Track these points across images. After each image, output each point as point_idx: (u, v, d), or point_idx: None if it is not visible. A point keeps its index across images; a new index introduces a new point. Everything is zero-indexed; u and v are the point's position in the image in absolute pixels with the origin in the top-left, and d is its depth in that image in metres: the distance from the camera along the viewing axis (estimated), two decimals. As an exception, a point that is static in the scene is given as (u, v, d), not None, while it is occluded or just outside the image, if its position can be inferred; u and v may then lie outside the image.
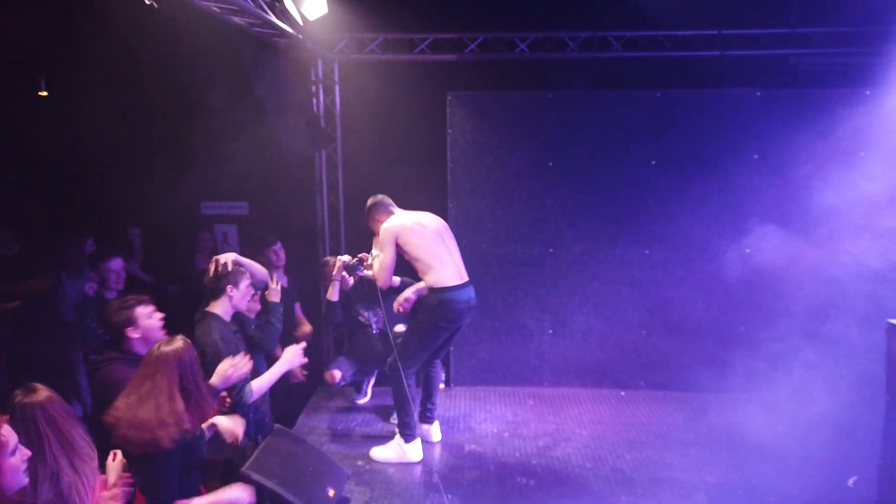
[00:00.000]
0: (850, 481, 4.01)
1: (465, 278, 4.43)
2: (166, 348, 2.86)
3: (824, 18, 6.00)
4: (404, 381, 4.40)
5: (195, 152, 5.97)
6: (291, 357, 3.89)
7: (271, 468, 3.55)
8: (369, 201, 4.60)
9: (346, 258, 4.87)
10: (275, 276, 4.38)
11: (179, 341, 2.91)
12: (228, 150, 5.94)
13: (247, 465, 3.49)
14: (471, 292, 4.41)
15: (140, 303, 3.39)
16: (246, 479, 3.44)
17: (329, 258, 5.33)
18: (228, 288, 3.79)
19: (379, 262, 4.42)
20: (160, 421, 2.73)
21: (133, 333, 3.34)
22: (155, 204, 6.16)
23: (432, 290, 4.33)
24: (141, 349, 3.33)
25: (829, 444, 4.32)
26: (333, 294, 4.98)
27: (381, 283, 4.44)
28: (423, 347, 4.44)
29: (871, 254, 4.85)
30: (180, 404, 2.80)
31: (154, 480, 2.82)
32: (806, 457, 4.29)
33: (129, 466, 2.77)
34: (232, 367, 3.28)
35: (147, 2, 3.48)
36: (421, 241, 4.36)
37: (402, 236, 4.36)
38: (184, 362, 2.85)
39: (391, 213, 4.58)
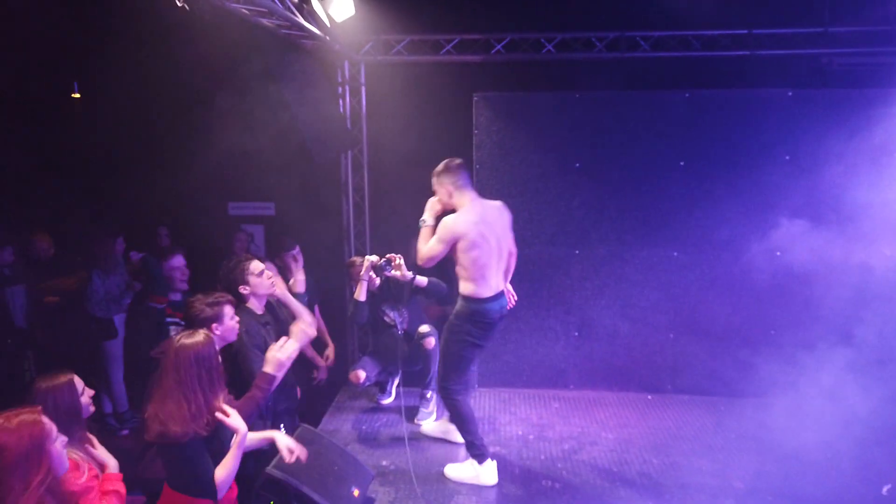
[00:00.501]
0: (885, 489, 3.93)
1: (501, 287, 4.26)
2: (187, 341, 2.88)
3: (857, 17, 5.89)
4: (458, 399, 4.21)
5: (224, 153, 6.03)
6: (300, 335, 3.65)
7: (296, 467, 3.55)
8: (441, 165, 4.19)
9: (373, 258, 4.87)
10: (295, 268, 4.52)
11: (201, 335, 2.93)
12: (255, 151, 6.00)
13: (272, 464, 3.52)
14: (503, 301, 4.25)
15: (229, 302, 3.49)
16: (271, 479, 3.47)
17: (356, 258, 5.34)
18: (241, 287, 3.85)
19: (428, 246, 4.12)
20: (181, 416, 2.77)
21: (216, 330, 3.40)
22: (184, 204, 6.25)
23: (466, 300, 4.14)
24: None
25: (861, 451, 4.22)
26: (361, 294, 4.99)
27: (420, 261, 4.19)
28: (462, 360, 4.21)
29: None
30: (200, 398, 2.83)
31: (182, 473, 2.85)
32: (837, 463, 4.20)
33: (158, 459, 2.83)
34: (280, 350, 3.30)
35: (178, 3, 3.52)
36: (479, 256, 4.06)
37: (463, 243, 4.03)
38: (202, 356, 2.86)
39: (461, 192, 4.16)
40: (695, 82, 5.87)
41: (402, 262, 4.87)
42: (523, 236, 5.78)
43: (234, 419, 2.93)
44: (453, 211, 4.16)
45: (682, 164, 5.58)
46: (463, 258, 4.06)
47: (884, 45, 5.83)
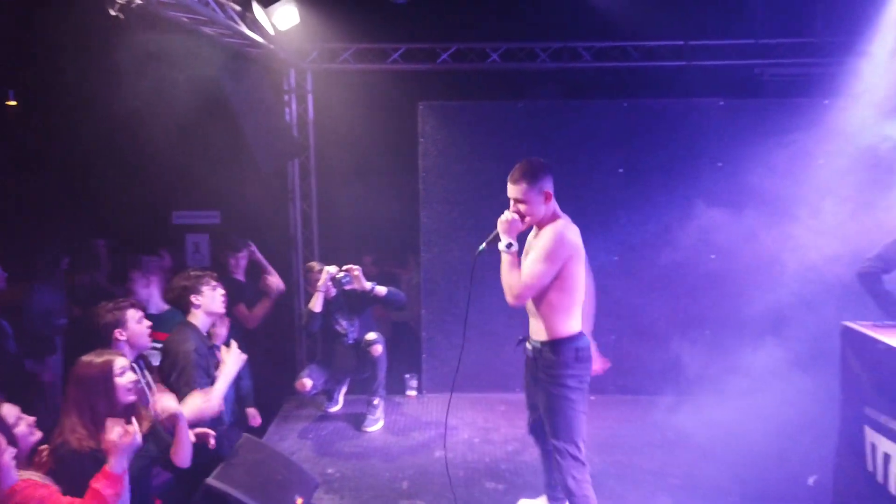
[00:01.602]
0: (810, 480, 4.11)
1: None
2: (83, 359, 2.87)
3: (787, 30, 6.16)
4: (587, 483, 3.33)
5: (166, 162, 5.97)
6: (234, 359, 3.74)
7: (238, 477, 3.55)
8: (534, 165, 3.28)
9: (332, 270, 4.86)
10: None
11: (99, 359, 2.88)
12: (200, 159, 5.96)
13: (213, 474, 3.50)
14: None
15: (133, 306, 3.45)
16: (210, 490, 3.45)
17: (314, 264, 5.32)
18: (193, 297, 3.80)
19: (530, 271, 3.23)
20: (78, 431, 2.75)
21: (121, 335, 3.37)
22: (125, 214, 6.14)
23: (567, 340, 3.31)
24: (127, 356, 3.35)
25: (790, 444, 4.41)
26: (316, 305, 4.98)
27: (519, 295, 3.26)
28: (579, 413, 3.34)
29: (831, 260, 4.97)
30: (88, 418, 2.78)
31: (80, 487, 2.79)
32: (768, 457, 4.38)
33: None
34: (205, 401, 3.28)
35: (113, 13, 3.49)
36: (581, 274, 3.32)
37: (575, 262, 3.28)
38: (88, 379, 2.82)
39: (553, 200, 3.33)
40: (634, 92, 6.07)
41: (361, 272, 4.91)
42: (469, 242, 5.85)
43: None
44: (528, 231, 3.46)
45: (621, 171, 5.75)
46: (567, 283, 3.26)
47: (811, 56, 6.12)
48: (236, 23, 4.87)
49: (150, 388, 3.55)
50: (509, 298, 3.30)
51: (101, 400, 2.83)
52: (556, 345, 3.33)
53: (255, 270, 5.63)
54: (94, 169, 6.30)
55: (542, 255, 3.22)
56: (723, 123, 5.67)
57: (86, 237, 6.28)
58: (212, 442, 3.29)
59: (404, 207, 6.02)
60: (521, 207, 3.28)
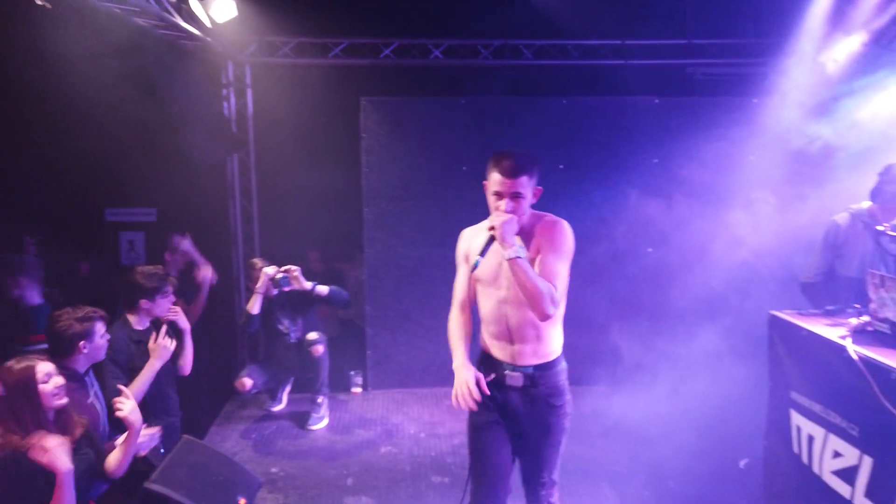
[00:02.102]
0: (742, 463, 4.28)
1: None
2: (16, 366, 2.77)
3: (717, 31, 6.39)
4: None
5: (99, 157, 5.76)
6: (160, 352, 3.72)
7: (178, 479, 3.46)
8: (528, 154, 2.80)
9: (270, 271, 4.78)
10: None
11: (26, 363, 2.78)
12: (135, 155, 5.78)
13: (152, 477, 3.41)
14: None
15: (101, 318, 3.31)
16: (150, 494, 3.36)
17: (256, 261, 5.22)
18: (143, 301, 3.76)
19: (559, 275, 2.73)
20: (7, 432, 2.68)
21: (84, 348, 3.24)
22: (55, 211, 5.90)
23: (560, 360, 2.91)
24: (81, 366, 3.28)
25: (724, 430, 4.59)
26: (255, 307, 4.90)
27: (556, 307, 2.71)
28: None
29: (762, 251, 5.20)
30: (13, 427, 2.70)
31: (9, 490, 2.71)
32: (703, 442, 4.54)
33: None
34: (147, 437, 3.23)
35: (39, 2, 3.36)
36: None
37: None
38: (19, 387, 2.73)
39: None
40: (574, 89, 6.18)
41: (300, 273, 4.84)
42: (413, 238, 5.88)
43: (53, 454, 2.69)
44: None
45: (561, 167, 5.85)
46: (564, 280, 2.80)
47: (740, 56, 6.36)
48: (171, 14, 4.74)
49: (100, 399, 3.45)
50: (545, 309, 2.64)
51: (24, 407, 2.72)
52: (555, 366, 2.87)
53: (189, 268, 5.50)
54: (21, 164, 6.02)
55: (560, 253, 2.74)
56: (658, 120, 5.84)
57: (14, 235, 6.01)
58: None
59: (348, 203, 5.98)
60: (522, 203, 2.73)
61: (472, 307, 3.04)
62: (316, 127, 6.05)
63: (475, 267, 2.73)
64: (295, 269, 4.78)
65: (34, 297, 4.47)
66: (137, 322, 3.88)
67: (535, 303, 2.65)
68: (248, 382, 5.03)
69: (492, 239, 2.69)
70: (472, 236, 2.96)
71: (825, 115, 5.32)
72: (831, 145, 5.24)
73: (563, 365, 2.92)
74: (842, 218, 4.18)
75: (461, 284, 3.03)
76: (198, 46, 5.55)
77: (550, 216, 2.84)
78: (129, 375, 3.71)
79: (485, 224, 2.81)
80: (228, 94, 6.24)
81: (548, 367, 2.86)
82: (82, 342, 3.24)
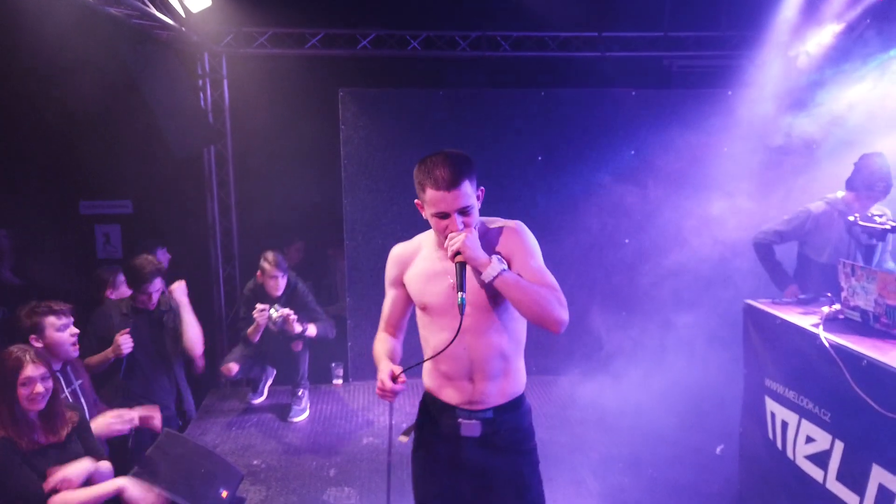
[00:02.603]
0: (718, 449, 4.38)
1: None
2: (7, 358, 2.78)
3: (693, 23, 6.45)
4: None
5: (73, 149, 5.67)
6: (117, 347, 3.83)
7: (159, 472, 3.46)
8: (460, 154, 2.36)
9: (275, 314, 4.87)
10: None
11: (16, 359, 2.79)
12: (110, 147, 5.70)
13: (133, 470, 3.40)
14: None
15: (53, 312, 3.26)
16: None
17: (269, 254, 5.13)
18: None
19: (550, 278, 2.33)
20: None
21: (36, 343, 3.21)
22: (27, 203, 5.80)
23: (522, 401, 2.51)
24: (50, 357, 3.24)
25: (700, 417, 4.70)
26: (255, 336, 4.98)
27: (562, 322, 2.31)
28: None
29: (738, 240, 5.30)
30: None
31: None
32: (680, 430, 4.64)
33: None
34: (116, 417, 3.21)
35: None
36: None
37: None
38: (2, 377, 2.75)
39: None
40: (552, 82, 6.21)
41: (295, 318, 4.93)
42: (393, 230, 5.88)
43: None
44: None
45: (539, 158, 5.89)
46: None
47: (716, 48, 6.43)
48: (145, 4, 4.68)
49: (80, 394, 3.42)
50: (558, 316, 2.26)
51: (3, 397, 2.73)
52: (520, 406, 2.46)
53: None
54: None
55: (537, 255, 2.36)
56: (635, 112, 5.90)
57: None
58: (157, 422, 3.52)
59: (326, 194, 5.96)
60: (473, 214, 2.32)
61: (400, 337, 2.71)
62: (294, 118, 6.01)
63: (462, 305, 2.23)
64: (292, 315, 4.88)
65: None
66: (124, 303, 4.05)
67: (544, 314, 2.23)
68: (234, 367, 5.04)
69: (463, 266, 2.26)
70: (407, 256, 2.52)
71: (800, 107, 5.42)
72: (806, 137, 5.35)
73: (528, 405, 2.50)
74: (816, 206, 4.27)
75: (391, 311, 2.64)
76: (173, 37, 5.48)
77: (504, 221, 2.43)
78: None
79: (419, 240, 2.50)
80: (204, 84, 6.17)
81: (511, 407, 2.41)
82: (32, 336, 3.23)
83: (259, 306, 4.91)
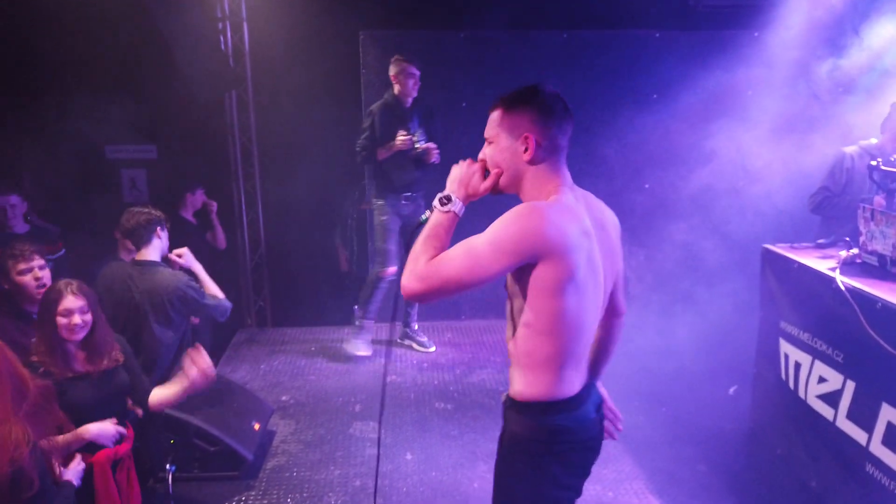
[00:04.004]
0: (731, 390, 4.50)
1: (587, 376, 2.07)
2: (52, 287, 2.90)
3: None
4: None
5: (97, 95, 5.71)
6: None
7: (195, 406, 3.65)
8: (517, 94, 2.06)
9: (418, 144, 4.95)
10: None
11: (58, 290, 2.85)
12: (133, 92, 5.74)
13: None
14: (598, 400, 2.11)
15: (13, 256, 3.28)
16: (170, 420, 3.54)
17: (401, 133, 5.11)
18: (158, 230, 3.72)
19: (453, 255, 1.89)
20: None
21: (3, 283, 3.32)
22: (55, 147, 5.89)
23: (537, 407, 1.95)
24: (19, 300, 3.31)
25: (714, 360, 4.79)
26: (383, 153, 5.06)
27: (415, 285, 1.87)
28: None
29: (757, 185, 5.30)
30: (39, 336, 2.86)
31: None
32: (694, 372, 4.75)
33: None
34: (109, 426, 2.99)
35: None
36: (580, 307, 1.89)
37: (556, 272, 1.83)
38: (44, 306, 2.85)
39: (553, 162, 2.01)
40: (574, 23, 6.10)
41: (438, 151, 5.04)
42: (413, 175, 5.93)
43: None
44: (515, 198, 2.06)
45: (561, 101, 5.84)
46: (546, 306, 1.86)
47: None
48: (166, -54, 4.64)
49: None
50: (404, 279, 1.89)
51: (46, 326, 2.87)
52: (525, 412, 1.96)
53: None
54: (15, 99, 5.98)
55: (485, 235, 1.87)
56: (658, 55, 5.81)
57: (13, 171, 6.04)
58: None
59: (347, 139, 5.98)
60: (487, 151, 2.07)
61: None
62: (315, 61, 5.97)
63: (418, 226, 2.08)
64: (436, 150, 5.02)
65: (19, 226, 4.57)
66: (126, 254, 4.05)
67: (407, 264, 1.93)
68: (392, 269, 5.26)
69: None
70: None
71: (831, 49, 5.31)
72: (836, 80, 5.26)
73: (547, 417, 1.93)
74: (851, 149, 4.23)
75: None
76: (192, -21, 5.45)
77: (540, 199, 1.95)
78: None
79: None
80: (224, 28, 6.14)
81: (517, 408, 1.98)
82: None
83: (403, 132, 4.99)
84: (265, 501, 3.54)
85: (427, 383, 4.90)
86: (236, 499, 3.55)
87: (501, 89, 5.52)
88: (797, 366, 3.54)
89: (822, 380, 3.32)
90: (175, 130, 6.21)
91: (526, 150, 1.97)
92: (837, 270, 3.22)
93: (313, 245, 6.32)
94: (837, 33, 5.26)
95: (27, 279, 3.27)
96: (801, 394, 3.49)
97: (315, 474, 3.76)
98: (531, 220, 1.83)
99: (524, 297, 1.89)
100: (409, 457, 3.92)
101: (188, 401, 3.62)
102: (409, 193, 5.32)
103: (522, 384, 1.96)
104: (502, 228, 1.85)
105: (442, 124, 5.52)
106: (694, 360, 4.86)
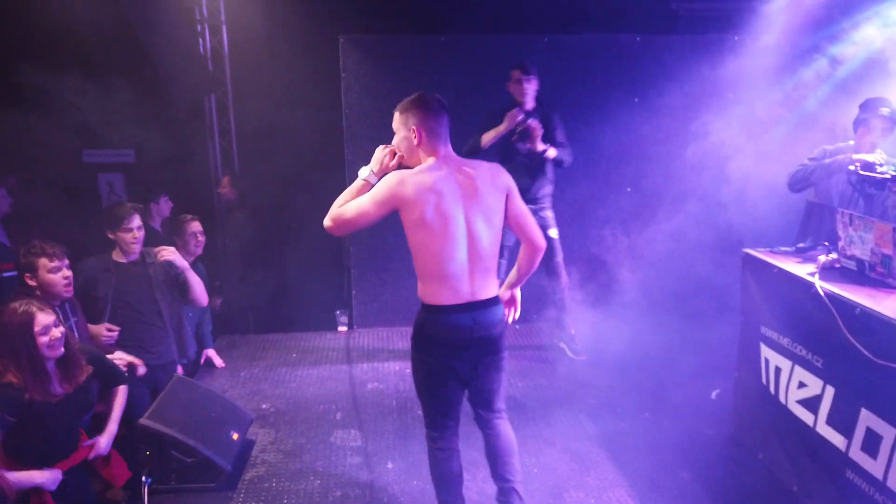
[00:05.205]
0: (714, 394, 4.49)
1: (481, 295, 2.87)
2: (16, 310, 2.80)
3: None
4: (434, 452, 3.06)
5: (75, 98, 5.64)
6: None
7: (171, 417, 3.59)
8: (410, 99, 2.93)
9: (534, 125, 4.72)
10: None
11: (25, 311, 2.80)
12: (112, 95, 5.67)
13: (146, 414, 3.53)
14: (481, 315, 2.88)
15: (45, 254, 3.34)
16: (145, 430, 3.48)
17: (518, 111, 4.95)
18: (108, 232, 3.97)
19: (353, 203, 2.84)
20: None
21: (30, 281, 3.34)
22: (32, 151, 5.81)
23: (421, 307, 2.95)
24: (44, 297, 3.31)
25: (695, 364, 4.80)
26: (487, 141, 4.90)
27: (329, 219, 2.87)
28: (426, 394, 3.07)
29: (736, 191, 5.31)
30: (11, 364, 2.78)
31: None
32: (676, 376, 4.75)
33: None
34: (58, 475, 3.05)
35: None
36: (430, 240, 2.81)
37: (408, 214, 2.79)
38: (17, 333, 2.78)
39: (431, 142, 2.88)
40: (555, 27, 6.10)
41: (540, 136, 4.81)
42: (395, 179, 5.89)
43: None
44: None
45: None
46: (410, 240, 2.84)
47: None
48: (142, -52, 4.59)
49: (75, 330, 3.50)
50: (326, 219, 2.87)
51: (22, 351, 2.79)
52: (420, 310, 2.95)
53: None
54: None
55: (370, 193, 2.81)
56: (639, 59, 5.82)
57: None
58: (140, 371, 3.69)
59: (329, 143, 5.95)
60: (394, 140, 2.93)
61: None
62: (295, 65, 5.95)
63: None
64: (540, 130, 4.78)
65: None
66: (116, 255, 4.03)
67: None
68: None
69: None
70: None
71: (809, 52, 5.34)
72: (811, 83, 5.29)
73: (422, 314, 2.91)
74: (833, 148, 4.24)
75: None
76: (170, -19, 5.40)
77: (400, 171, 2.86)
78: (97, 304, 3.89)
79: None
80: (203, 30, 6.09)
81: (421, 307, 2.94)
82: (27, 274, 3.34)
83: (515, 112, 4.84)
84: (243, 513, 3.48)
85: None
86: (214, 510, 3.49)
87: (481, 92, 5.62)
88: (777, 370, 3.55)
89: (801, 385, 3.32)
90: (154, 135, 6.15)
91: (415, 138, 2.86)
92: (817, 275, 3.22)
93: (296, 249, 6.27)
94: (820, 37, 5.29)
95: (57, 277, 3.37)
96: (782, 399, 3.49)
97: (295, 485, 3.70)
98: (392, 182, 2.77)
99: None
100: (390, 466, 3.87)
101: (166, 411, 3.59)
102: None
103: (419, 285, 2.93)
104: (378, 188, 2.80)
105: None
106: (675, 364, 4.87)
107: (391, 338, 5.89)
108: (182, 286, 4.11)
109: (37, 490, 2.79)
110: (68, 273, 3.43)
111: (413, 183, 2.75)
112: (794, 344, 3.38)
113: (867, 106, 4.07)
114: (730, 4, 6.31)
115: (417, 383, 3.07)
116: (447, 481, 3.03)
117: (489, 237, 2.86)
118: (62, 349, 2.86)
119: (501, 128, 4.89)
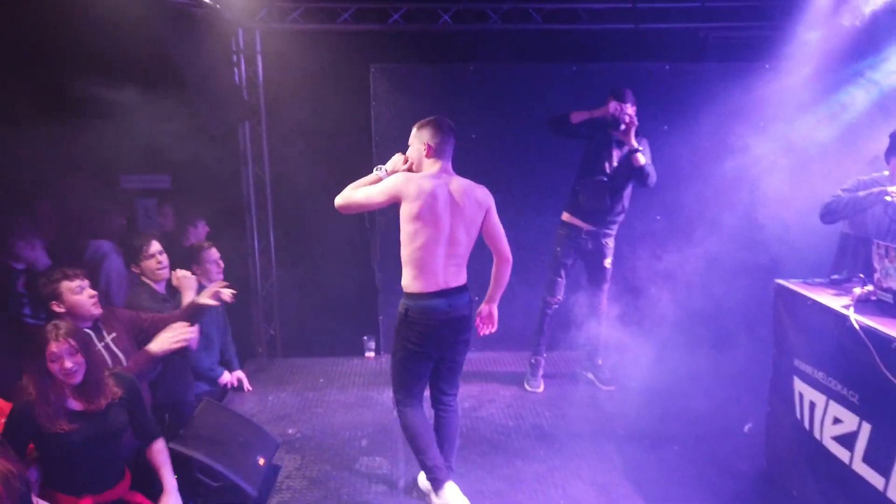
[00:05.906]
0: (746, 428, 4.39)
1: (454, 285, 3.52)
2: (40, 336, 2.90)
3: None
4: (404, 410, 3.69)
5: (113, 124, 5.80)
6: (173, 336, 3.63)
7: (199, 440, 3.62)
8: (428, 119, 3.59)
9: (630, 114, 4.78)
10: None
11: (42, 339, 2.89)
12: (148, 122, 5.81)
13: (174, 439, 3.56)
14: (455, 300, 3.53)
15: (66, 277, 3.37)
16: (173, 454, 3.51)
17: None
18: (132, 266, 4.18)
19: (363, 189, 3.53)
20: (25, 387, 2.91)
21: (58, 308, 3.36)
22: (70, 176, 5.97)
23: (404, 294, 3.57)
24: (75, 319, 3.35)
25: (728, 397, 4.71)
26: (578, 116, 4.89)
27: (339, 198, 3.55)
28: (404, 370, 3.65)
29: (768, 221, 5.24)
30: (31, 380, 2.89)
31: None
32: (709, 409, 4.65)
33: None
34: (174, 332, 3.50)
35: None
36: (420, 234, 3.45)
37: (406, 207, 3.43)
38: (35, 354, 2.87)
39: (436, 156, 3.52)
40: (584, 56, 6.13)
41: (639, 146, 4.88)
42: (423, 206, 5.93)
43: None
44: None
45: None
46: (403, 230, 3.47)
47: (753, 19, 6.25)
48: (181, -18, 4.74)
49: (114, 347, 3.55)
50: (337, 197, 3.53)
51: (34, 370, 2.88)
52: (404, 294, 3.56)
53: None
54: (33, 128, 6.08)
55: (378, 185, 3.50)
56: (668, 87, 5.81)
57: (27, 201, 6.10)
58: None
59: (360, 171, 5.99)
60: (409, 150, 3.60)
61: None
62: (328, 94, 6.04)
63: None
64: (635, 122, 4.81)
65: (43, 259, 4.58)
66: (153, 285, 4.20)
67: None
68: (557, 299, 5.30)
69: None
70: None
71: (848, 80, 5.28)
72: (851, 111, 5.22)
73: (405, 299, 3.52)
74: (868, 178, 4.17)
75: None
76: (207, 13, 5.54)
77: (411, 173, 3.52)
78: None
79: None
80: (238, 60, 6.23)
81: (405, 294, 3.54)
82: (53, 302, 3.37)
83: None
84: (268, 539, 3.48)
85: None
86: (239, 536, 3.50)
87: (511, 120, 5.68)
88: (812, 405, 3.46)
89: (837, 421, 3.24)
90: (190, 161, 6.27)
91: (425, 151, 3.50)
92: (852, 308, 3.15)
93: (324, 275, 6.32)
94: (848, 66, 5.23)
95: (82, 297, 3.38)
96: (817, 434, 3.40)
97: (319, 512, 3.70)
98: (399, 179, 3.44)
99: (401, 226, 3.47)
100: (415, 495, 3.85)
101: (191, 434, 3.62)
102: (592, 228, 5.08)
103: (403, 277, 3.53)
104: (387, 181, 3.48)
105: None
106: (707, 396, 4.77)
107: (418, 364, 5.87)
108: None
109: None
110: (93, 292, 3.45)
111: (416, 184, 3.40)
112: (829, 378, 3.30)
113: None
114: (760, 32, 6.29)
115: (395, 361, 3.64)
116: (417, 428, 3.62)
117: (465, 242, 3.52)
118: (78, 378, 2.90)
119: (596, 111, 4.88)
